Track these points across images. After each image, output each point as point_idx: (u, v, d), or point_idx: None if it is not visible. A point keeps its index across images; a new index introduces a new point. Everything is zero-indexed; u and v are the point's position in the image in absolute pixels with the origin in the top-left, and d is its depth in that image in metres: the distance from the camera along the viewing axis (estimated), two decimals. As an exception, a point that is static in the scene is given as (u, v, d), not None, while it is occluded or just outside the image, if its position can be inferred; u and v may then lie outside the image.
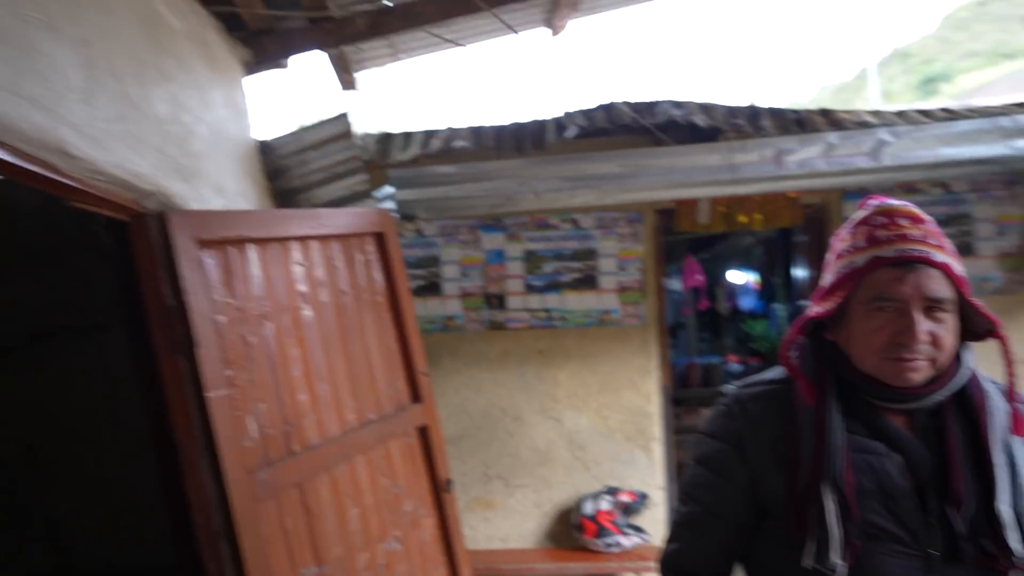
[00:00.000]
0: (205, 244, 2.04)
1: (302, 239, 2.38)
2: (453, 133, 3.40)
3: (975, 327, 1.25)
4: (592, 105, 3.26)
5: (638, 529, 4.05)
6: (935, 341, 1.18)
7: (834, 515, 1.18)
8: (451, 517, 2.81)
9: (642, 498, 4.09)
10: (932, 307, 1.18)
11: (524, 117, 3.31)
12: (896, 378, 1.20)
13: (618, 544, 3.97)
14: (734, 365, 7.09)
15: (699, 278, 6.98)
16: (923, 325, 1.17)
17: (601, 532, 3.99)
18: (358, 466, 2.42)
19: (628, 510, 4.05)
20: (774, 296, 7.59)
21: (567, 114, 3.23)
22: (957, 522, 1.17)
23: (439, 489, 2.77)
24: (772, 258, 7.51)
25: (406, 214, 3.01)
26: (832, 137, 2.62)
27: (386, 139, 3.44)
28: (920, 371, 1.19)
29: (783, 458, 1.24)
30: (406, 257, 4.39)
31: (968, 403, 1.24)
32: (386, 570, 2.45)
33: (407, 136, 3.43)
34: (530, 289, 4.36)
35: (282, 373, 2.22)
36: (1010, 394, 1.24)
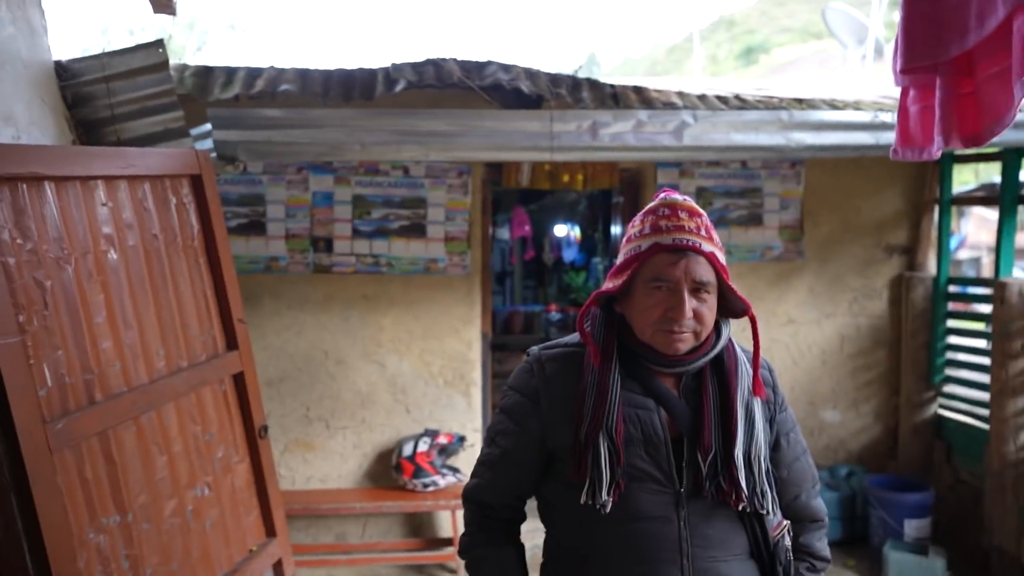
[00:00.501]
0: (-9, 180, 1.89)
1: (108, 179, 2.25)
2: (278, 74, 3.28)
3: (732, 306, 1.49)
4: (422, 59, 3.27)
5: (454, 469, 4.28)
6: (699, 317, 1.41)
7: (605, 460, 1.39)
8: (265, 461, 2.84)
9: (459, 440, 4.30)
10: (698, 288, 1.40)
11: (352, 64, 3.26)
12: (667, 347, 1.42)
13: (434, 483, 4.18)
14: (555, 314, 7.51)
15: (527, 228, 7.26)
16: (690, 303, 1.39)
17: (418, 472, 4.17)
18: (167, 414, 2.38)
19: (445, 451, 4.26)
20: (594, 250, 8.06)
21: (395, 67, 3.22)
22: (703, 465, 1.42)
23: (254, 435, 2.79)
24: (594, 214, 7.95)
25: (225, 155, 2.90)
26: (642, 115, 2.85)
27: (205, 73, 3.25)
28: (686, 342, 1.42)
29: (570, 411, 1.43)
30: (228, 194, 4.22)
31: (722, 368, 1.49)
32: (195, 516, 2.45)
33: (229, 72, 3.26)
34: (357, 234, 4.36)
35: (83, 319, 2.12)
36: (755, 362, 1.51)
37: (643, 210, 1.51)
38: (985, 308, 4.33)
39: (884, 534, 4.13)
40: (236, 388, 2.75)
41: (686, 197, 1.48)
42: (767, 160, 4.45)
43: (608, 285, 1.47)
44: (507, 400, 1.55)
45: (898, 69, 1.82)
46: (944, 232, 4.50)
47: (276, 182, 4.28)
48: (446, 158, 2.87)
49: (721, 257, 1.44)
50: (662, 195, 1.49)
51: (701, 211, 1.47)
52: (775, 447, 1.54)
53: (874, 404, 4.71)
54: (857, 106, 3.07)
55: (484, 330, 4.57)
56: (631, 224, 1.51)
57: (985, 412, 4.13)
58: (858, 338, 4.68)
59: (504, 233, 7.62)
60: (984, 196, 4.50)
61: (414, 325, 4.45)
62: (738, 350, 1.54)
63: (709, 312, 1.42)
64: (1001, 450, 3.85)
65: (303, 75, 3.29)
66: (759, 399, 1.51)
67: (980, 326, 4.40)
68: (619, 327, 1.49)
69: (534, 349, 1.57)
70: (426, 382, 4.48)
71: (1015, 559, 3.78)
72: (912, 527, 4.04)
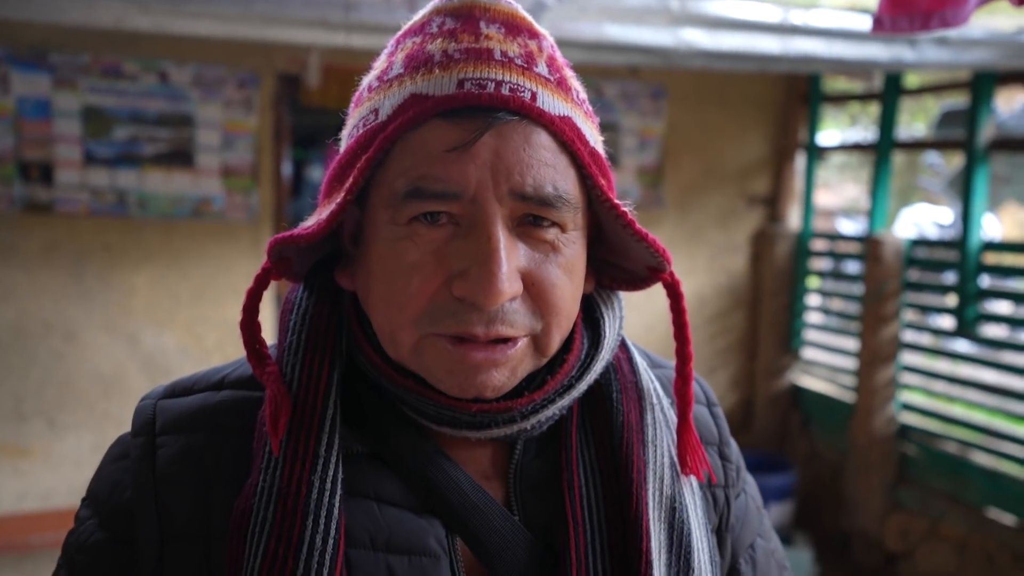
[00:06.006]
0: None
1: None
2: None
3: (620, 259, 0.67)
4: None
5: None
6: (538, 293, 0.58)
7: None
8: None
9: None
10: (532, 215, 0.57)
11: None
12: (458, 380, 0.58)
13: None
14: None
15: (344, 169, 6.21)
16: (512, 258, 0.56)
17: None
18: None
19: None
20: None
21: None
22: None
23: None
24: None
25: None
26: (484, -14, 1.98)
27: None
28: (508, 363, 0.58)
29: (214, 571, 0.58)
30: None
31: (608, 418, 0.66)
32: None
33: None
34: (92, 160, 3.17)
35: None
36: (682, 391, 0.67)
37: (399, 31, 0.64)
38: (855, 267, 3.94)
39: (745, 522, 3.67)
40: None
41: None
42: (626, 90, 3.74)
43: (308, 223, 0.60)
44: (73, 534, 0.64)
45: None
46: (809, 182, 4.05)
47: (-45, 79, 2.95)
48: (169, 28, 1.84)
49: (591, 133, 0.62)
50: None
51: (540, 28, 0.63)
52: None
53: (731, 371, 4.25)
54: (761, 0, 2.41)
55: (281, 292, 3.55)
56: (371, 65, 0.65)
57: (846, 381, 3.76)
58: (717, 298, 4.17)
59: (317, 174, 6.49)
60: (857, 143, 4.09)
61: (180, 286, 3.36)
62: (640, 364, 0.71)
63: (566, 279, 0.60)
64: (868, 424, 3.47)
65: None
66: (694, 481, 0.69)
67: (845, 287, 4.03)
68: (350, 332, 0.64)
69: (150, 395, 0.66)
70: (198, 360, 3.42)
71: (878, 542, 3.45)
72: (774, 513, 3.60)
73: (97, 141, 3.16)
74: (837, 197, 11.95)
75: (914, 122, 9.24)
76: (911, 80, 3.55)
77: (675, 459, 0.67)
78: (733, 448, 0.78)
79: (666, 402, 0.71)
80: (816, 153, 4.03)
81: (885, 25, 1.26)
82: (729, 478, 0.75)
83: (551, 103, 0.57)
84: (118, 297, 3.28)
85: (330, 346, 0.62)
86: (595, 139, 0.62)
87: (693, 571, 0.64)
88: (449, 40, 0.57)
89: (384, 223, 0.57)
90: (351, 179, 0.56)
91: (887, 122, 3.53)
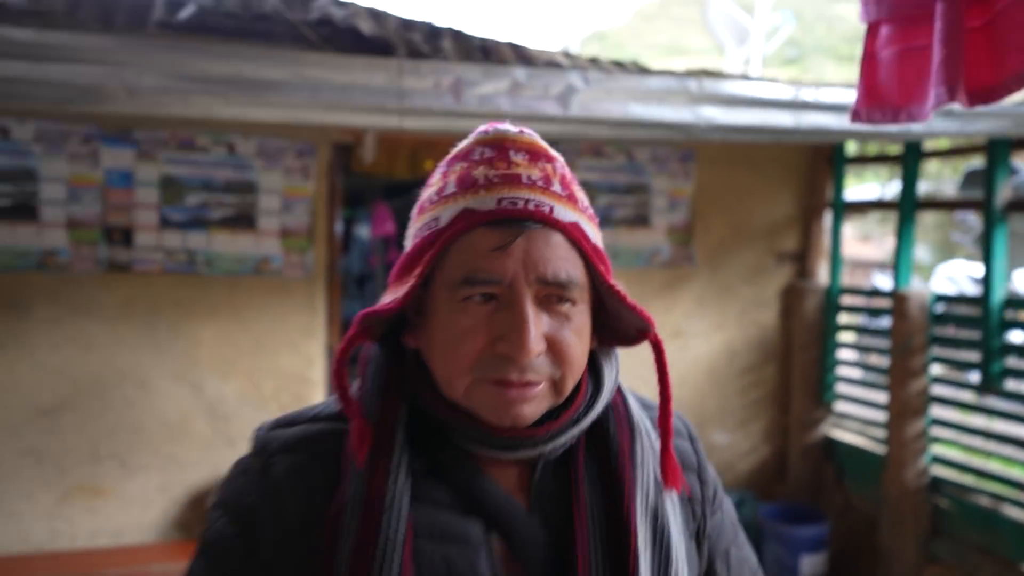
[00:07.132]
0: None
1: None
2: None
3: (618, 326, 0.87)
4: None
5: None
6: (557, 350, 0.79)
7: None
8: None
9: (292, 478, 3.51)
10: (551, 295, 0.78)
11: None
12: (498, 414, 0.78)
13: (257, 535, 3.36)
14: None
15: (390, 226, 6.50)
16: (538, 325, 0.77)
17: (237, 522, 3.34)
18: None
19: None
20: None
21: (187, -12, 2.42)
22: None
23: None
24: (467, 212, 7.29)
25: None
26: (520, 74, 2.22)
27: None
28: (534, 400, 0.79)
29: (314, 555, 0.78)
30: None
31: (607, 446, 0.85)
32: None
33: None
34: (167, 224, 3.49)
35: None
36: (664, 424, 0.86)
37: (448, 155, 0.86)
38: (885, 322, 4.04)
39: (779, 573, 3.72)
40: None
41: (530, 131, 0.84)
42: (656, 153, 3.97)
43: (385, 299, 0.81)
44: (207, 531, 0.84)
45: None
46: (836, 238, 4.19)
47: (53, 153, 3.33)
48: (248, 116, 2.13)
49: (593, 232, 0.83)
50: (482, 128, 0.84)
51: (553, 152, 0.85)
52: None
53: (763, 423, 4.34)
54: (774, 80, 2.61)
55: (332, 343, 3.81)
56: (427, 183, 0.87)
57: (879, 433, 3.82)
58: (747, 352, 4.29)
59: (363, 231, 6.80)
60: (880, 201, 4.23)
61: (241, 338, 3.63)
62: (632, 405, 0.91)
63: (577, 340, 0.80)
64: (900, 477, 3.53)
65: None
66: (674, 495, 0.88)
67: (875, 341, 4.12)
68: (412, 379, 0.85)
69: (262, 427, 0.88)
70: (256, 408, 3.66)
71: (914, 595, 3.46)
72: (808, 564, 3.65)
73: (171, 207, 3.49)
74: (878, 250, 11.89)
75: (946, 177, 9.26)
76: (931, 143, 3.70)
77: (659, 477, 0.86)
78: (710, 474, 0.96)
79: (653, 434, 0.90)
80: (843, 211, 4.17)
81: (862, 117, 1.46)
82: (706, 497, 0.93)
83: (564, 213, 0.79)
84: (186, 347, 3.56)
85: (399, 389, 0.83)
86: (596, 237, 0.84)
87: (671, 563, 0.83)
88: (488, 167, 0.79)
89: (444, 300, 0.79)
90: (420, 268, 0.78)
91: (908, 182, 3.68)
